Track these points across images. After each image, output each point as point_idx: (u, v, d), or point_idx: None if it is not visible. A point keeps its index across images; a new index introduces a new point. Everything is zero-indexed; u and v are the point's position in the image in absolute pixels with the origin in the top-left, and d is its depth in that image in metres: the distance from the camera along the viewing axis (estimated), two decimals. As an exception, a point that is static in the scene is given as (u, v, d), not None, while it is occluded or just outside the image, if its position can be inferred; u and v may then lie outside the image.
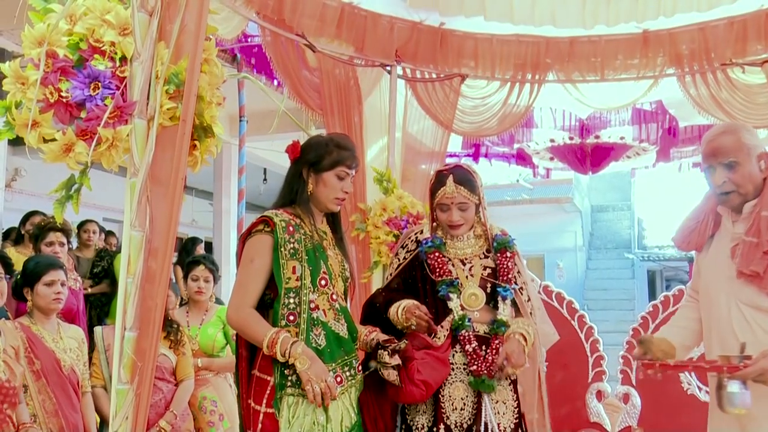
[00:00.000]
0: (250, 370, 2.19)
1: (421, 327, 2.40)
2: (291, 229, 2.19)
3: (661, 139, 6.11)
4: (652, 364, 2.22)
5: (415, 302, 2.44)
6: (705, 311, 2.35)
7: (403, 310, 2.42)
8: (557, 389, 3.95)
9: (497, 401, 2.46)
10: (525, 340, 2.46)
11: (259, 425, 2.09)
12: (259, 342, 2.10)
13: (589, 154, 6.47)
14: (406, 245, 2.69)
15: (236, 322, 2.19)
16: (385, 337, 2.33)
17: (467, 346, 2.45)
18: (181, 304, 4.03)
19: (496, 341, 2.47)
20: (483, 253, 2.61)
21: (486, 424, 2.40)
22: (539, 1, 4.03)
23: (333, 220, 2.40)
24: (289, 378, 2.09)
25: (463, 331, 2.46)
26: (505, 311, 2.52)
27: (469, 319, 2.48)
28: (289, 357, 2.05)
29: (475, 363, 2.43)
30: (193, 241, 6.92)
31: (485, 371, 2.42)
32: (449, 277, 2.53)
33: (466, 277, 2.55)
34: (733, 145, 2.20)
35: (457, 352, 2.47)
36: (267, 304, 2.20)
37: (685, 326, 2.46)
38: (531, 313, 2.60)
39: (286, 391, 2.09)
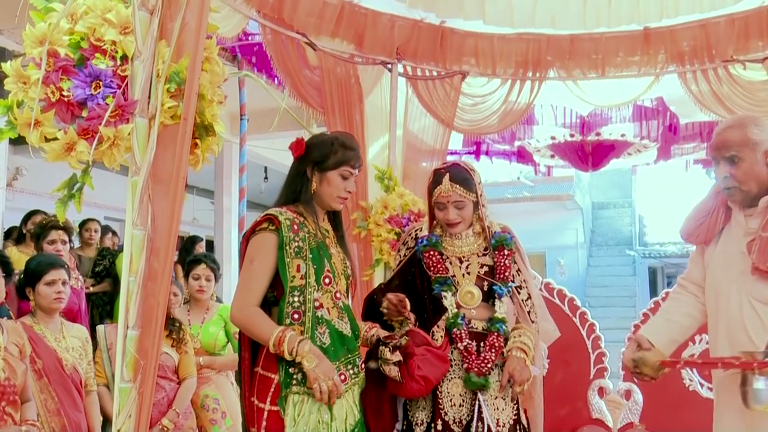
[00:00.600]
0: (253, 368, 2.19)
1: (391, 310, 2.39)
2: (295, 227, 2.18)
3: (662, 136, 6.11)
4: (675, 362, 2.19)
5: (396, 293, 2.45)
6: (712, 306, 2.29)
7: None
8: (559, 386, 3.95)
9: (496, 397, 2.46)
10: (525, 353, 2.46)
11: (263, 423, 2.08)
12: (265, 340, 2.09)
13: (590, 152, 6.47)
14: (407, 242, 2.70)
15: (241, 321, 2.17)
16: (385, 333, 2.34)
17: (459, 344, 2.44)
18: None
19: (491, 338, 2.47)
20: (481, 251, 2.59)
21: (482, 420, 2.39)
22: (539, 4, 4.01)
23: (334, 218, 2.39)
24: (294, 376, 2.08)
25: (456, 329, 2.46)
26: (501, 309, 2.51)
27: (463, 317, 2.48)
28: (296, 355, 2.04)
29: (467, 361, 2.43)
30: (193, 240, 6.93)
31: (476, 369, 2.41)
32: (443, 276, 2.52)
33: (463, 275, 2.54)
34: (738, 140, 2.16)
35: (455, 349, 2.47)
36: (270, 303, 2.19)
37: (676, 320, 2.41)
38: (530, 312, 2.59)
39: (291, 389, 2.08)
